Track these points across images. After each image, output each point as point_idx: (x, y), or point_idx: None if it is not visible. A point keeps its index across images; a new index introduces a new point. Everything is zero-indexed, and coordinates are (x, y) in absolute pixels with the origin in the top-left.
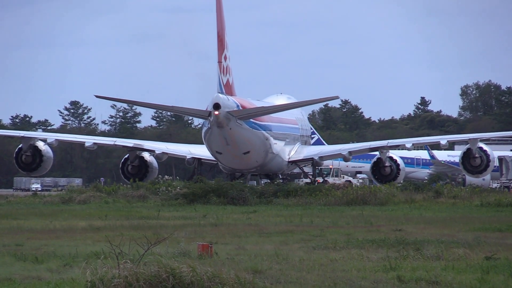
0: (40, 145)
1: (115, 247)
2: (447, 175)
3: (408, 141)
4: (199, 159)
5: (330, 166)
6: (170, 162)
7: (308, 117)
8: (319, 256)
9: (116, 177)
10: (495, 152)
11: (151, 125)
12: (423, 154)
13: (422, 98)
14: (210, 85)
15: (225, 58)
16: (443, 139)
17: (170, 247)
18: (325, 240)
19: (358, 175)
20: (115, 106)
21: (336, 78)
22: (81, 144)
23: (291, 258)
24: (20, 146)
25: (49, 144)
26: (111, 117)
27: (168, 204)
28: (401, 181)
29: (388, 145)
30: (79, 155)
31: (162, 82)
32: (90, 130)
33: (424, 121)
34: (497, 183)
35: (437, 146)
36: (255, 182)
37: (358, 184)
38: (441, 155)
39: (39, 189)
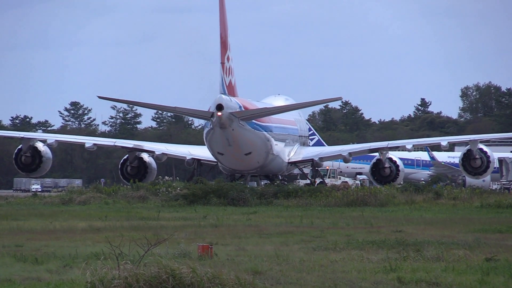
0: (40, 146)
1: (115, 248)
2: (447, 176)
3: (409, 142)
4: (199, 160)
5: (327, 167)
6: (170, 163)
7: (308, 118)
8: (319, 257)
9: (116, 178)
10: (495, 154)
11: (152, 126)
12: (423, 156)
13: (422, 99)
14: (212, 86)
15: (228, 59)
16: (444, 141)
17: (170, 248)
18: (325, 241)
19: (358, 176)
20: (115, 107)
21: (336, 79)
22: (81, 145)
23: (291, 259)
24: (19, 147)
25: (49, 145)
26: (111, 118)
27: (168, 205)
28: (401, 182)
29: (388, 146)
30: (79, 156)
31: (163, 83)
32: (90, 131)
33: (424, 123)
34: (497, 185)
35: (437, 147)
36: (255, 183)
37: (355, 185)
38: (441, 157)
39: (39, 190)
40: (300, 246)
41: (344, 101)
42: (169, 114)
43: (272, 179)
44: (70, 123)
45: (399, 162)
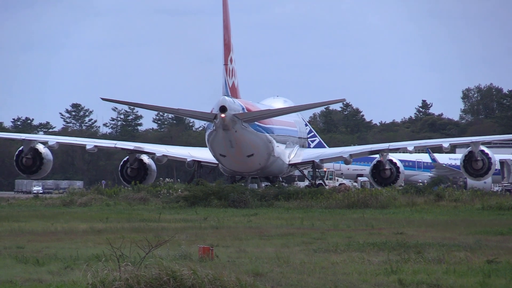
0: (40, 148)
1: (116, 249)
2: (449, 178)
3: (410, 144)
4: (199, 162)
5: (325, 169)
6: (171, 165)
7: (309, 120)
8: (320, 259)
9: (117, 179)
10: (496, 156)
11: (152, 128)
12: (424, 157)
13: (424, 101)
14: (214, 88)
15: (231, 60)
16: (445, 142)
17: (171, 250)
18: (326, 243)
19: (359, 178)
20: (116, 108)
21: (337, 81)
22: (82, 147)
23: (292, 261)
24: (20, 148)
25: (50, 147)
26: (112, 119)
27: (169, 207)
28: (402, 184)
29: (390, 148)
30: (80, 158)
31: (164, 84)
32: (92, 132)
33: (425, 124)
34: (499, 187)
35: (438, 149)
36: (255, 185)
37: (352, 186)
38: (442, 158)
39: (41, 191)
40: (301, 248)
41: (345, 103)
42: (170, 116)
43: (272, 181)
44: (71, 124)
45: (399, 164)
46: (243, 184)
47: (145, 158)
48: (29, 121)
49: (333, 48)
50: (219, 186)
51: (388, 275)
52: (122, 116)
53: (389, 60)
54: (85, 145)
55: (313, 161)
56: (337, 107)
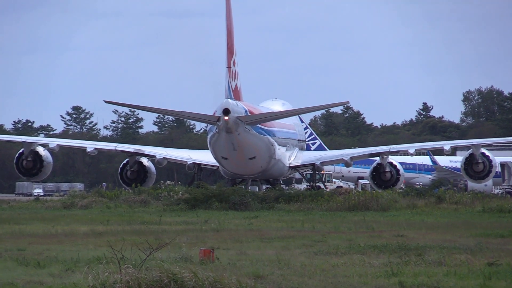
0: (40, 150)
1: (117, 252)
2: (449, 180)
3: (411, 147)
4: (199, 165)
5: (322, 171)
6: (171, 167)
7: (310, 123)
8: (320, 262)
9: (117, 182)
10: (497, 158)
11: (153, 131)
12: (425, 160)
13: (424, 103)
14: (217, 90)
15: (234, 63)
16: (446, 145)
17: (172, 252)
18: (327, 246)
19: (360, 180)
20: (117, 111)
21: (338, 84)
22: (83, 149)
23: (293, 264)
24: (20, 151)
25: (51, 149)
26: (113, 122)
27: (170, 209)
28: (403, 187)
29: (391, 150)
30: (81, 160)
31: (165, 87)
32: (92, 135)
33: (426, 127)
34: (499, 189)
35: (438, 151)
36: (256, 187)
37: (349, 189)
38: (443, 161)
39: (41, 194)
40: (302, 250)
41: (345, 106)
42: (170, 118)
43: (273, 184)
44: (72, 127)
45: (399, 166)
46: (243, 187)
47: (144, 160)
48: (29, 124)
49: (333, 50)
50: (219, 188)
51: (388, 277)
52: (122, 119)
53: (390, 62)
54: (86, 147)
55: (313, 163)
56: (338, 109)
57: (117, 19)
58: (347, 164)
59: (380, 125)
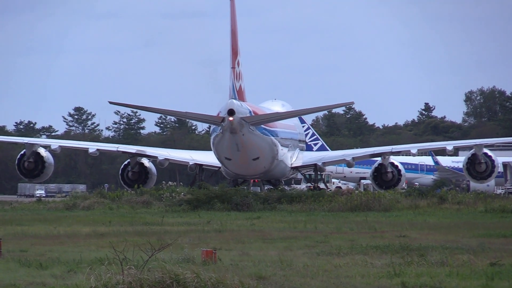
0: (42, 151)
1: (119, 253)
2: (451, 181)
3: (413, 147)
4: (201, 165)
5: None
6: (173, 168)
7: (312, 123)
8: (323, 262)
9: (119, 183)
10: (499, 158)
11: (155, 131)
12: (427, 160)
13: (426, 104)
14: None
15: (238, 63)
16: (449, 145)
17: (174, 253)
18: (329, 246)
19: (362, 181)
20: (119, 112)
21: (340, 84)
22: (85, 151)
23: (295, 264)
24: (22, 152)
25: (53, 151)
26: (115, 123)
27: (172, 210)
28: (405, 187)
29: (393, 150)
30: (83, 161)
31: (167, 87)
32: (94, 136)
33: (428, 127)
34: (502, 189)
35: (441, 152)
36: (258, 188)
37: (347, 189)
38: (445, 161)
39: (43, 195)
40: (304, 251)
41: (347, 106)
42: (172, 119)
43: (274, 184)
44: (74, 128)
45: (400, 166)
46: (245, 187)
47: (145, 161)
48: (31, 125)
49: (335, 51)
50: (222, 189)
51: (391, 278)
52: (124, 120)
53: (392, 63)
54: (88, 148)
55: (315, 164)
56: (340, 110)
57: (118, 20)
58: (349, 165)
59: (382, 126)
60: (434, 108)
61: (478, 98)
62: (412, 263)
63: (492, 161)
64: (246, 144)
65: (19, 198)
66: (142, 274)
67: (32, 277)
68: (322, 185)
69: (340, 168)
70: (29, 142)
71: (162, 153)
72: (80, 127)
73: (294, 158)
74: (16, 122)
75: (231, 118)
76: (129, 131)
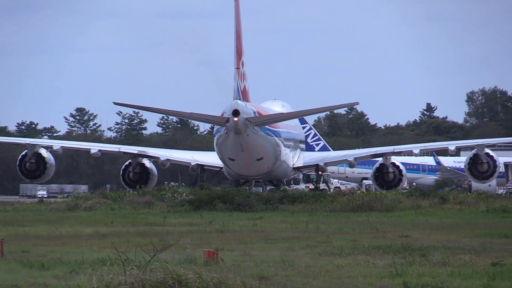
0: (43, 152)
1: (121, 253)
2: (453, 181)
3: (416, 147)
4: (202, 166)
5: (319, 172)
6: (175, 169)
7: (314, 124)
8: (325, 262)
9: (121, 183)
10: (500, 158)
11: (157, 132)
12: (429, 160)
13: (428, 104)
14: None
15: (242, 64)
16: (451, 145)
17: (176, 254)
18: (331, 247)
19: (364, 181)
20: (121, 113)
21: (341, 84)
22: (87, 151)
23: (297, 264)
24: (23, 153)
25: (55, 151)
26: (117, 124)
27: (174, 211)
28: (407, 187)
29: (395, 151)
30: (85, 162)
31: (168, 88)
32: (96, 137)
33: (430, 127)
34: (503, 189)
35: (442, 152)
36: (260, 188)
37: (346, 189)
38: (447, 161)
39: (45, 196)
40: (306, 251)
41: (349, 107)
42: (174, 119)
43: (276, 185)
44: (75, 129)
45: (402, 167)
46: (247, 188)
47: (146, 162)
48: (33, 126)
49: (337, 51)
50: (224, 190)
51: (393, 278)
52: (126, 120)
53: (394, 63)
54: (90, 149)
55: (317, 164)
56: (342, 110)
57: (120, 20)
58: (351, 165)
59: (384, 126)
60: (436, 109)
61: (479, 98)
62: (414, 263)
63: (494, 161)
64: (250, 145)
65: (21, 199)
66: (144, 274)
67: (34, 278)
68: (323, 186)
69: (342, 168)
70: (31, 143)
71: (164, 153)
72: (82, 128)
73: (295, 158)
74: (18, 123)
75: (236, 119)
76: (131, 131)
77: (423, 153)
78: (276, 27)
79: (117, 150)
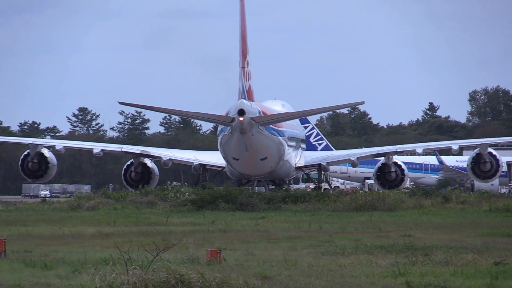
0: (45, 152)
1: (124, 253)
2: (456, 180)
3: (418, 146)
4: (205, 166)
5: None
6: (178, 169)
7: (316, 123)
8: (327, 262)
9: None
10: (503, 158)
11: (160, 132)
12: (432, 160)
13: (431, 103)
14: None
15: (247, 64)
16: (455, 144)
17: (179, 253)
18: (334, 246)
19: (366, 180)
20: (124, 112)
21: (343, 84)
22: (89, 151)
23: (300, 264)
24: (25, 153)
25: (57, 151)
26: (120, 123)
27: (177, 210)
28: (409, 186)
29: (398, 150)
30: (87, 162)
31: (170, 88)
32: (99, 136)
33: (432, 127)
34: (506, 189)
35: (445, 151)
36: (263, 188)
37: (345, 189)
38: (450, 161)
39: (48, 195)
40: (309, 251)
41: (352, 106)
42: (177, 119)
43: (279, 184)
44: (78, 128)
45: (404, 166)
46: (249, 187)
47: (148, 162)
48: (36, 125)
49: (339, 51)
50: (226, 189)
51: (395, 277)
52: (129, 120)
53: (396, 62)
54: (92, 149)
55: (320, 163)
56: (344, 110)
57: (122, 20)
58: (353, 164)
59: (386, 125)
60: (438, 108)
61: (482, 97)
62: (417, 262)
63: (497, 160)
64: (255, 144)
65: (24, 199)
66: (147, 274)
67: (37, 278)
68: (326, 185)
69: (345, 167)
70: (33, 142)
71: (166, 153)
72: (84, 128)
73: (298, 158)
74: (20, 123)
75: (241, 118)
76: (134, 131)
77: (426, 152)
78: (277, 27)
79: (119, 149)
